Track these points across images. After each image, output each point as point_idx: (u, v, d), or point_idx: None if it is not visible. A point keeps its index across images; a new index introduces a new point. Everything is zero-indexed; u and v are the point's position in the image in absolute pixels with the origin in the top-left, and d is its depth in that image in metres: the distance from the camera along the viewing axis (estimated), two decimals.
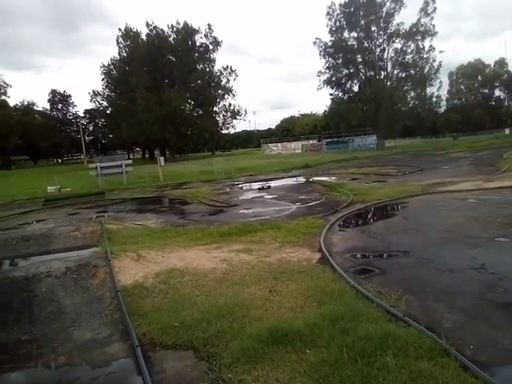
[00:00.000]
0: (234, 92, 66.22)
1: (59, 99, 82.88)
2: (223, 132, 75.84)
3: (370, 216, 10.07)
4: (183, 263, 6.31)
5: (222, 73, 65.66)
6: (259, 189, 16.16)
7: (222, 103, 67.28)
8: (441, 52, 46.33)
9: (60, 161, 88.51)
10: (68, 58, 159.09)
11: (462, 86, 75.59)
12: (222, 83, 65.87)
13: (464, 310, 4.10)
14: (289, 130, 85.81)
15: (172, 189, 20.28)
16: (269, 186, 16.77)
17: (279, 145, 58.11)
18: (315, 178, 18.38)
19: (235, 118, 69.02)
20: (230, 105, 67.17)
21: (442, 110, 71.01)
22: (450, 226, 7.78)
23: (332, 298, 4.44)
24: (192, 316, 4.22)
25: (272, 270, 5.66)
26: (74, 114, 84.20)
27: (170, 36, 60.53)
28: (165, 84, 58.66)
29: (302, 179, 19.40)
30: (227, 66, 65.57)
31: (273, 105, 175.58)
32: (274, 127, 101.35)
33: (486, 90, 74.95)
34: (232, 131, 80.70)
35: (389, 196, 11.58)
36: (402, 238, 7.30)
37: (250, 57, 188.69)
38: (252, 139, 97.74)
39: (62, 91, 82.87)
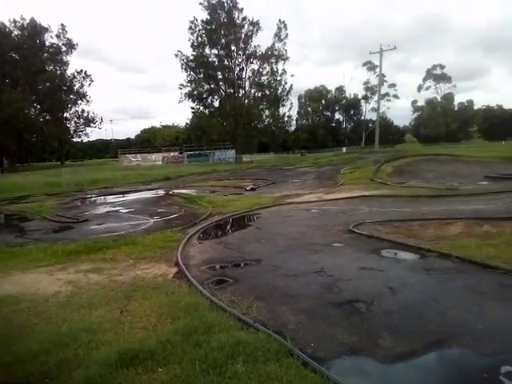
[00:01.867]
0: (88, 98, 61.88)
1: None
2: (75, 140, 69.94)
3: (227, 227, 10.41)
4: (19, 288, 5.54)
5: (75, 77, 60.83)
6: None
7: (74, 109, 62.17)
8: (292, 76, 51.52)
9: None
10: None
11: (309, 108, 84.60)
12: (75, 88, 60.93)
13: (306, 311, 4.51)
14: (149, 140, 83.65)
15: (9, 203, 17.61)
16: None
17: (139, 156, 55.97)
18: (175, 191, 18.23)
19: (89, 126, 64.48)
20: (83, 111, 62.52)
21: (293, 128, 78.62)
22: (295, 234, 8.54)
23: (187, 312, 4.42)
24: (28, 348, 3.71)
25: (124, 289, 5.37)
26: None
27: (12, 31, 53.47)
28: (5, 84, 51.33)
29: (161, 192, 19.01)
30: (81, 70, 61.03)
31: (133, 114, 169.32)
32: (133, 137, 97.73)
33: (329, 113, 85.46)
34: (85, 139, 75.03)
35: (244, 208, 12.17)
36: (255, 247, 7.73)
37: (110, 64, 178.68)
38: (109, 149, 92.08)
39: None
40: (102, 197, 18.51)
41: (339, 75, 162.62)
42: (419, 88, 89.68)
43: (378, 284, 5.34)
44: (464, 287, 5.10)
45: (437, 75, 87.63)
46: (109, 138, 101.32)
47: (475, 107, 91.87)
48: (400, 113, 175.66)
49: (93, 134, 70.40)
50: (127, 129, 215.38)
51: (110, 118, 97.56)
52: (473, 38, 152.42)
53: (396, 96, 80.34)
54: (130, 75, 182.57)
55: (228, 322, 4.11)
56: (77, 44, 59.21)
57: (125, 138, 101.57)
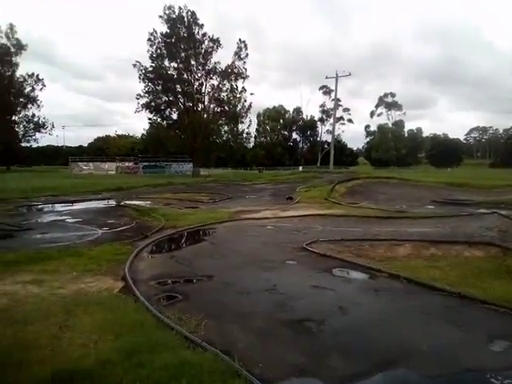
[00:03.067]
0: (39, 102, 59.29)
1: None
2: (23, 145, 66.49)
3: (179, 241, 10.14)
4: None
5: (26, 80, 58.07)
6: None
7: (23, 113, 59.27)
8: (251, 94, 51.97)
9: None
10: None
11: (268, 127, 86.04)
12: (26, 91, 58.19)
13: (257, 330, 4.41)
14: (103, 149, 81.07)
15: None
16: None
17: (91, 164, 53.96)
18: (127, 202, 17.64)
19: (39, 131, 61.69)
20: (33, 115, 59.76)
21: (251, 145, 79.31)
22: (250, 250, 8.47)
23: (131, 329, 4.17)
24: None
25: (65, 302, 5.01)
26: None
27: None
28: None
29: (112, 202, 18.32)
30: (33, 74, 58.46)
31: (86, 122, 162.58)
32: (86, 145, 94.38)
33: (286, 132, 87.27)
34: (35, 145, 71.56)
35: (199, 222, 11.95)
36: (208, 262, 7.55)
37: (64, 69, 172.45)
38: (60, 156, 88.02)
39: None
40: (49, 205, 17.54)
41: (297, 97, 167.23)
42: (372, 114, 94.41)
43: (329, 303, 5.35)
44: (411, 308, 5.22)
45: (388, 103, 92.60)
46: (60, 145, 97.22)
47: (423, 135, 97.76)
48: (354, 136, 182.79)
49: (43, 139, 66.91)
50: (80, 136, 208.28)
51: (63, 125, 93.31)
52: (420, 69, 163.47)
53: (350, 120, 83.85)
54: (85, 82, 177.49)
55: (174, 340, 3.92)
56: (26, 45, 56.93)
57: (77, 145, 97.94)
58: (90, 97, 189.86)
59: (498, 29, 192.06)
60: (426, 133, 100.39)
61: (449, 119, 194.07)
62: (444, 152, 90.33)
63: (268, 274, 6.72)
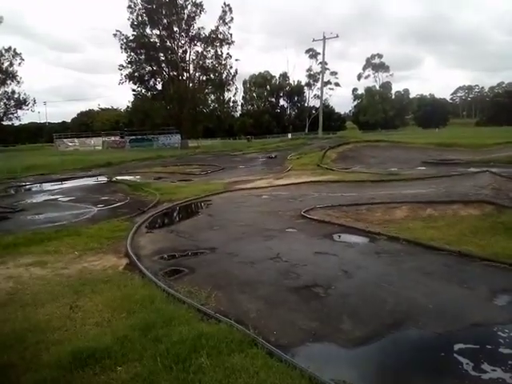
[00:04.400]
0: (18, 78, 57.15)
1: None
2: (5, 123, 64.68)
3: (177, 215, 10.14)
4: None
5: (3, 55, 55.71)
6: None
7: (3, 89, 57.25)
8: (237, 60, 50.63)
9: None
10: None
11: (254, 94, 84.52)
12: (4, 67, 55.96)
13: (266, 299, 4.49)
14: (87, 124, 79.25)
15: None
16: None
17: (76, 140, 52.92)
18: (119, 178, 17.43)
19: (21, 108, 59.82)
20: (13, 92, 57.77)
21: (238, 114, 78.12)
22: (249, 220, 8.50)
23: (142, 305, 4.21)
24: None
25: (72, 283, 5.02)
26: None
27: None
28: None
29: (103, 179, 18.11)
30: (10, 48, 56.02)
31: (68, 96, 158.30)
32: (69, 121, 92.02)
33: (273, 99, 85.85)
34: (17, 123, 69.73)
35: (194, 194, 11.91)
36: (209, 234, 7.58)
37: (40, 42, 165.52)
38: (43, 133, 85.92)
39: None
40: (39, 184, 17.27)
41: (283, 62, 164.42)
42: (359, 76, 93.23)
43: (333, 268, 5.45)
44: (412, 268, 5.34)
45: (375, 64, 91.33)
46: (43, 122, 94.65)
47: (411, 96, 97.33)
48: (341, 100, 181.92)
49: (25, 117, 64.96)
50: (63, 112, 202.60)
51: (44, 100, 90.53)
52: (406, 29, 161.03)
53: (337, 84, 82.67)
54: (64, 55, 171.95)
55: (187, 313, 3.97)
56: (2, 17, 54.21)
57: (60, 121, 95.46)
58: (71, 70, 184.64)
59: None
60: (412, 94, 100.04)
61: (435, 79, 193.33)
62: (431, 112, 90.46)
63: (270, 242, 6.78)
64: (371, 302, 4.32)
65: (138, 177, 18.33)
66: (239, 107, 77.53)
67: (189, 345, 3.31)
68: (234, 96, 54.95)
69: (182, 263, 5.93)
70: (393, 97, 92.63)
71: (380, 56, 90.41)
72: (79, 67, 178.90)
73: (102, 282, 5.04)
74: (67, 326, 3.83)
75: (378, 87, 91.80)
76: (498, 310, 4.07)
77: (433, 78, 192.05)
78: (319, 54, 68.24)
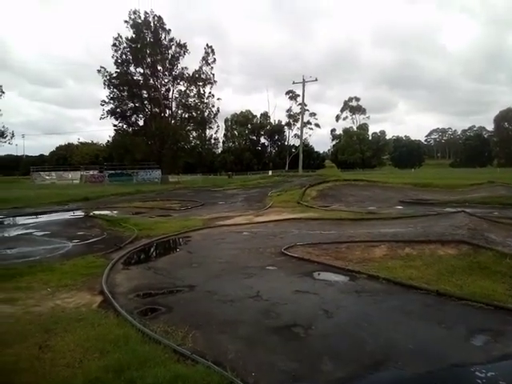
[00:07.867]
0: None
1: None
2: None
3: (155, 251, 9.94)
4: None
5: None
6: None
7: None
8: (219, 99, 51.79)
9: None
10: None
11: (236, 132, 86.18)
12: None
13: (245, 339, 4.38)
14: (66, 158, 78.63)
15: None
16: None
17: (53, 174, 52.25)
18: (96, 212, 17.11)
19: None
20: None
21: (219, 150, 79.11)
22: (228, 257, 8.41)
23: (116, 345, 4.04)
24: None
25: (43, 321, 4.80)
26: None
27: None
28: None
29: (80, 213, 17.74)
30: None
31: (46, 130, 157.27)
32: (47, 154, 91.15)
33: (254, 137, 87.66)
34: None
35: (173, 230, 11.76)
36: (187, 272, 7.44)
37: (20, 76, 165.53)
38: (20, 166, 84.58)
39: None
40: (12, 218, 16.76)
41: (263, 101, 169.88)
42: (337, 118, 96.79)
43: (313, 307, 5.39)
44: (392, 308, 5.34)
45: (353, 107, 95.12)
46: (20, 154, 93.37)
47: (387, 137, 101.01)
48: (320, 139, 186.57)
49: (1, 149, 63.88)
50: (41, 145, 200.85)
51: (22, 133, 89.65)
52: (380, 74, 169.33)
53: (317, 125, 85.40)
54: (43, 89, 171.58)
55: (163, 354, 3.83)
56: None
57: (38, 154, 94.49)
58: (49, 104, 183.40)
59: (450, 33, 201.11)
60: (389, 135, 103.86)
61: (410, 121, 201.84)
62: (406, 153, 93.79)
63: (250, 280, 6.70)
64: (351, 343, 4.27)
65: (116, 212, 18.03)
66: (220, 144, 78.58)
67: None
68: (215, 133, 55.77)
69: (159, 301, 5.76)
70: (370, 138, 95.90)
71: (357, 99, 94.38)
72: (58, 101, 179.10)
73: (75, 320, 4.83)
74: (35, 368, 3.62)
75: (355, 128, 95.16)
76: (475, 350, 4.08)
77: (407, 121, 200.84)
78: (299, 95, 70.97)
